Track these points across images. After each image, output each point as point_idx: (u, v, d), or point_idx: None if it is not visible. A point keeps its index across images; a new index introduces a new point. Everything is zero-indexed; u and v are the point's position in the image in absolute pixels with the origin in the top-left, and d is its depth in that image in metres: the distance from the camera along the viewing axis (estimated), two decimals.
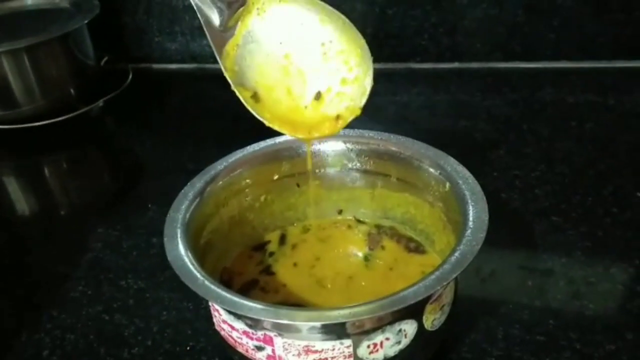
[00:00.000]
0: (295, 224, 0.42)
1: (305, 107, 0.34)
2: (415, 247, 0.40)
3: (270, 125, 0.34)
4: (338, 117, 0.34)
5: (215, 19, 0.32)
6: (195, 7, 0.32)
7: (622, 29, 0.64)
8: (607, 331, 0.37)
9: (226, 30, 0.32)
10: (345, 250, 0.40)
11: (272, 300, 0.37)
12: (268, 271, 0.39)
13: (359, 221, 0.42)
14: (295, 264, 0.40)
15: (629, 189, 0.48)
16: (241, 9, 0.32)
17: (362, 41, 0.33)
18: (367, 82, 0.34)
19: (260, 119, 0.34)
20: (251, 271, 0.39)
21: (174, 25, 0.71)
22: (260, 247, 0.41)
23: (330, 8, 0.34)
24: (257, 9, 0.33)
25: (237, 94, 0.33)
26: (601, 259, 0.42)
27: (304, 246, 0.41)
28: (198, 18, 0.74)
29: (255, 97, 0.34)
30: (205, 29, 0.32)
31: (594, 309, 0.39)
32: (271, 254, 0.41)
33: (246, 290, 0.38)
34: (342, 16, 0.33)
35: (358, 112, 0.34)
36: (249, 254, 0.41)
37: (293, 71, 0.34)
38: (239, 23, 0.33)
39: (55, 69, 0.63)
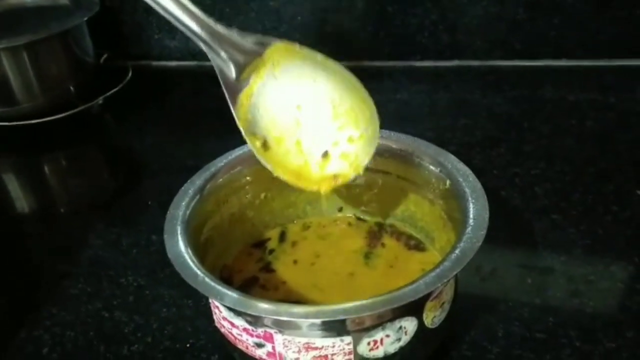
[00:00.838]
0: (295, 222, 0.42)
1: (312, 163, 0.35)
2: (415, 245, 0.40)
3: (276, 174, 0.35)
4: (339, 175, 0.35)
5: (231, 71, 0.33)
6: (211, 61, 0.32)
7: (622, 27, 0.64)
8: (607, 329, 0.37)
9: (240, 81, 0.33)
10: (345, 247, 0.40)
11: (272, 298, 0.37)
12: (268, 268, 0.39)
13: (359, 219, 0.42)
14: (295, 262, 0.40)
15: (629, 187, 0.48)
16: (256, 61, 0.33)
17: (371, 102, 0.34)
18: (373, 142, 0.35)
19: (268, 167, 0.35)
20: (251, 268, 0.39)
21: None
22: (260, 244, 0.41)
23: (342, 68, 0.35)
24: (272, 63, 0.34)
25: (248, 142, 0.34)
26: (601, 256, 0.42)
27: (304, 243, 0.41)
28: None
29: (264, 145, 0.35)
30: (220, 79, 0.33)
31: (594, 307, 0.39)
32: (271, 251, 0.41)
33: (246, 287, 0.38)
34: (354, 77, 0.34)
35: (360, 170, 0.35)
36: (249, 252, 0.41)
37: (303, 124, 0.35)
38: (254, 75, 0.33)
39: (54, 66, 0.63)
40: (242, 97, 0.34)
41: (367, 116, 0.35)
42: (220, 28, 0.32)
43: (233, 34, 0.32)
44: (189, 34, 0.32)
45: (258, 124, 0.34)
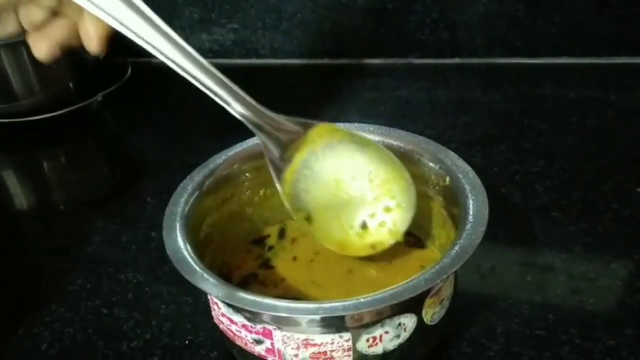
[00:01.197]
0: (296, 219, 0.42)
1: (352, 234, 0.37)
2: (414, 242, 0.40)
3: (320, 243, 0.37)
4: (376, 243, 0.37)
5: (276, 151, 0.35)
6: (260, 141, 0.35)
7: (623, 24, 0.64)
8: (607, 326, 0.37)
9: (285, 160, 0.36)
10: None
11: (271, 294, 0.37)
12: (267, 265, 0.39)
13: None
14: (294, 258, 0.39)
15: (629, 184, 0.48)
16: (299, 141, 0.36)
17: (406, 173, 0.37)
18: (410, 210, 0.36)
19: (314, 238, 0.37)
20: (250, 265, 0.39)
21: (173, 20, 0.71)
22: (260, 241, 0.41)
23: (378, 144, 0.38)
24: (314, 141, 0.36)
25: (293, 216, 0.37)
26: (601, 254, 0.42)
27: (304, 240, 0.41)
28: (198, 13, 0.74)
29: (308, 218, 0.37)
30: (266, 157, 0.35)
31: (594, 304, 0.39)
32: (270, 247, 0.41)
33: (245, 284, 0.38)
34: (389, 152, 0.37)
35: (399, 237, 0.37)
36: (248, 248, 0.41)
37: (342, 198, 0.37)
38: (297, 153, 0.36)
39: (53, 63, 0.63)
40: (287, 174, 0.36)
41: (403, 186, 0.37)
42: (267, 112, 0.35)
43: (279, 117, 0.35)
44: (239, 117, 0.34)
45: (301, 199, 0.37)
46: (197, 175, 0.38)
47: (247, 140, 0.40)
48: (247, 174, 0.40)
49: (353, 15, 0.68)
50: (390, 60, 0.69)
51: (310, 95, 0.66)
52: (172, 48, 0.32)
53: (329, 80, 0.67)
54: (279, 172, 0.36)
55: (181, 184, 0.37)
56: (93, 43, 0.31)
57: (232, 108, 0.34)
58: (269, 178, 0.40)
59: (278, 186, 0.36)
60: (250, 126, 0.34)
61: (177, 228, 0.34)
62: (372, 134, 0.40)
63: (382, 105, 0.62)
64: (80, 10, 0.30)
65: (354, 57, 0.70)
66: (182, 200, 0.36)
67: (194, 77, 0.33)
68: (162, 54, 0.32)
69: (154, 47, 0.31)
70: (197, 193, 0.37)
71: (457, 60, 0.68)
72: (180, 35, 0.75)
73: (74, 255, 0.46)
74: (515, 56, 0.67)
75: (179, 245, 0.33)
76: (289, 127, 0.36)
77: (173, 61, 0.32)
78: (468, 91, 0.64)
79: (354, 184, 0.37)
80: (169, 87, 0.70)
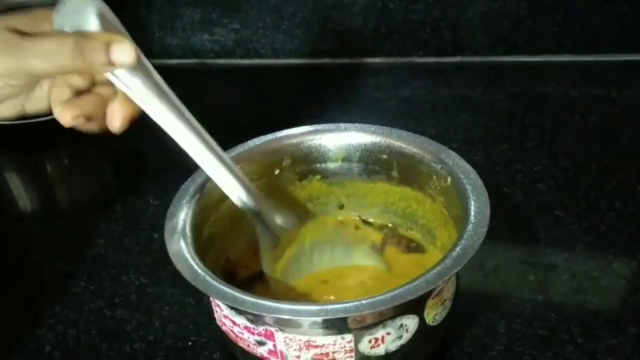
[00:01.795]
0: None
1: None
2: (415, 247, 0.40)
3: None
4: None
5: (270, 242, 0.37)
6: (256, 230, 0.37)
7: (625, 22, 0.64)
8: (609, 325, 0.37)
9: (277, 252, 0.37)
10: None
11: (274, 294, 0.37)
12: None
13: (365, 222, 0.42)
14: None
15: (632, 183, 0.48)
16: (292, 235, 0.38)
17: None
18: None
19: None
20: (256, 265, 0.39)
21: (174, 20, 0.71)
22: None
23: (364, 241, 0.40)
24: (305, 237, 0.39)
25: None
26: (604, 253, 0.42)
27: None
28: (199, 13, 0.73)
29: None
30: (260, 246, 0.37)
31: (596, 303, 0.39)
32: None
33: (251, 282, 0.38)
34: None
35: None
36: (254, 249, 0.41)
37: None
38: (288, 248, 0.38)
39: None
40: (278, 266, 0.37)
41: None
42: (267, 202, 0.36)
43: (277, 209, 0.37)
44: (241, 205, 0.35)
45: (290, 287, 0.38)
46: (199, 177, 0.38)
47: (248, 142, 0.40)
48: (249, 176, 0.40)
49: (354, 14, 0.68)
50: (391, 60, 0.69)
51: (311, 95, 0.66)
52: (198, 143, 0.33)
53: (330, 80, 0.67)
54: (270, 263, 0.37)
55: (183, 186, 0.37)
56: (117, 123, 0.32)
57: (236, 197, 0.35)
58: (271, 179, 0.40)
59: (268, 276, 0.37)
60: (250, 215, 0.36)
61: (179, 230, 0.34)
62: (373, 134, 0.40)
63: (384, 105, 0.62)
64: (114, 91, 0.30)
65: (355, 57, 0.70)
66: (184, 202, 0.36)
67: (213, 172, 0.34)
68: (184, 143, 0.33)
69: (176, 136, 0.33)
70: (198, 195, 0.37)
71: (458, 59, 0.68)
72: (181, 35, 0.75)
73: (77, 257, 0.46)
74: (517, 54, 0.67)
75: (181, 247, 0.33)
76: (285, 220, 0.37)
77: (193, 154, 0.33)
78: (470, 90, 0.63)
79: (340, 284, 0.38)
80: (172, 88, 0.70)
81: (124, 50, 0.28)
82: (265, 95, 0.65)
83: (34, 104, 0.33)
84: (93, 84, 0.32)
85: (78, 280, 0.44)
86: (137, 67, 0.29)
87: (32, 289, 0.44)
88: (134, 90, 0.30)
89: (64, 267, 0.46)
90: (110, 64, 0.28)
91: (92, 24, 0.28)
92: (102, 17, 0.28)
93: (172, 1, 0.70)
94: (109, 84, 0.30)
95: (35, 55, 0.28)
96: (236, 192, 0.34)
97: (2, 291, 0.44)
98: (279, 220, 0.37)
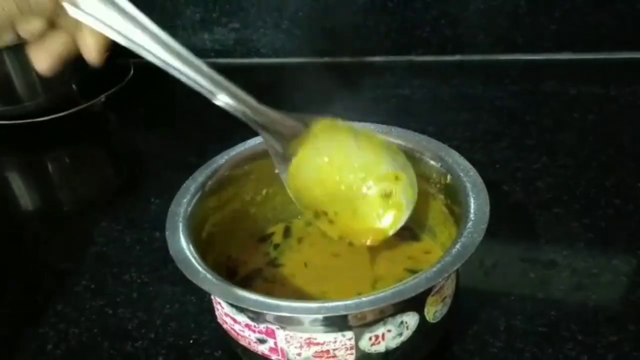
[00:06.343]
0: (299, 217, 0.42)
1: (374, 216, 0.38)
2: (411, 236, 0.40)
3: (336, 236, 0.38)
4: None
5: (279, 147, 0.36)
6: (263, 139, 0.36)
7: (624, 20, 0.64)
8: (609, 322, 0.37)
9: (288, 155, 0.36)
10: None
11: (276, 292, 0.37)
12: (274, 263, 0.40)
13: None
14: (305, 264, 0.40)
15: (631, 180, 0.48)
16: (302, 136, 0.37)
17: (403, 158, 0.38)
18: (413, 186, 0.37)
19: (326, 232, 0.38)
20: (257, 261, 0.40)
21: (175, 20, 0.71)
22: (266, 238, 0.41)
23: (375, 133, 0.39)
24: (315, 136, 0.37)
25: (301, 209, 0.37)
26: (604, 250, 0.42)
27: (309, 240, 0.41)
28: (199, 12, 0.74)
29: (317, 214, 0.37)
30: (271, 154, 0.36)
31: (596, 300, 0.39)
32: (276, 246, 0.41)
33: (250, 279, 0.38)
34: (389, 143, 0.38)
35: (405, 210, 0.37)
36: (255, 245, 0.41)
37: (347, 190, 0.38)
38: (300, 148, 0.37)
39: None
40: (291, 168, 0.37)
41: (401, 163, 0.38)
42: (269, 110, 0.35)
43: (279, 113, 0.35)
44: (243, 118, 0.34)
45: (307, 194, 0.37)
46: (200, 176, 0.38)
47: (249, 140, 0.40)
48: (250, 174, 0.40)
49: (354, 13, 0.68)
50: (391, 58, 0.69)
51: (311, 94, 0.66)
52: (172, 56, 0.32)
53: (330, 79, 0.68)
54: (284, 166, 0.36)
55: (184, 184, 0.37)
56: (92, 54, 0.31)
57: (236, 110, 0.34)
58: (271, 178, 0.40)
59: (283, 180, 0.36)
60: (253, 125, 0.35)
61: (180, 228, 0.34)
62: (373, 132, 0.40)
63: (384, 103, 0.62)
64: (77, 22, 0.30)
65: (355, 56, 0.70)
66: (185, 200, 0.36)
67: (185, 74, 0.33)
68: (156, 60, 0.32)
69: (164, 62, 0.32)
70: (199, 193, 0.37)
71: (458, 57, 0.68)
72: (182, 35, 0.75)
73: (78, 255, 0.46)
74: (516, 52, 0.67)
75: (182, 245, 0.33)
76: (289, 122, 0.36)
77: (180, 71, 0.32)
78: (469, 88, 0.63)
79: (356, 176, 0.38)
80: (172, 87, 0.70)
81: None
82: (266, 94, 0.65)
83: (2, 39, 0.32)
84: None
85: (79, 279, 0.44)
86: None
87: (33, 288, 0.45)
88: (90, 16, 0.29)
89: (66, 265, 0.46)
90: (56, 3, 0.27)
91: None
92: None
93: (172, 0, 0.71)
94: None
95: None
96: (228, 101, 0.33)
97: (4, 290, 0.45)
98: (284, 122, 0.36)
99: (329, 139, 0.37)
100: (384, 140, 0.38)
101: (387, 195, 0.37)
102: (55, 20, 0.31)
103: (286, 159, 0.36)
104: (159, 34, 0.31)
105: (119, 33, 0.30)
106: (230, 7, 0.70)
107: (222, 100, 0.34)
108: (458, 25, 0.67)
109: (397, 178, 0.37)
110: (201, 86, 0.33)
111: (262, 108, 0.35)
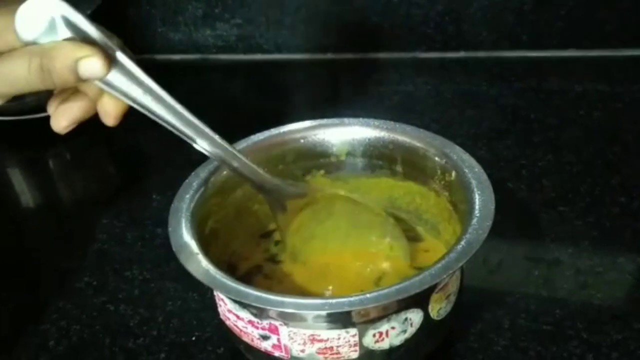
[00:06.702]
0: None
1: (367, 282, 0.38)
2: (413, 237, 0.40)
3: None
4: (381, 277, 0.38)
5: (280, 209, 0.37)
6: (266, 201, 0.37)
7: (629, 17, 0.63)
8: (614, 321, 0.37)
9: (288, 216, 0.38)
10: None
11: (274, 288, 0.37)
12: (274, 260, 0.39)
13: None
14: (304, 263, 0.39)
15: (637, 178, 0.48)
16: (301, 202, 0.38)
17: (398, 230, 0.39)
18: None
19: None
20: (257, 257, 0.39)
21: (177, 16, 0.71)
22: (268, 234, 0.41)
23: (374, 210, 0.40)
24: (317, 202, 0.39)
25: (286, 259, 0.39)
26: (609, 248, 0.42)
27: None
28: (201, 8, 0.73)
29: (306, 264, 0.39)
30: (272, 214, 0.38)
31: (601, 299, 0.38)
32: (277, 242, 0.41)
33: (250, 276, 0.38)
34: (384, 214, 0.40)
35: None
36: (257, 241, 0.41)
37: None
38: (299, 213, 0.38)
39: None
40: (291, 226, 0.38)
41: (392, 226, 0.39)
42: (273, 179, 0.36)
43: (283, 182, 0.37)
44: (251, 185, 0.35)
45: (304, 251, 0.39)
46: (202, 172, 0.38)
47: (252, 137, 0.40)
48: None
49: (357, 9, 0.68)
50: (395, 55, 0.69)
51: (314, 91, 0.66)
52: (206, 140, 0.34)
53: (333, 75, 0.67)
54: (283, 227, 0.38)
55: (186, 181, 0.37)
56: (111, 120, 0.32)
57: (244, 177, 0.35)
58: (275, 174, 0.40)
59: (282, 238, 0.38)
60: (257, 190, 0.36)
61: (183, 224, 0.34)
62: (377, 128, 0.40)
63: (388, 100, 0.62)
64: (100, 90, 0.30)
65: (358, 52, 0.70)
66: (188, 196, 0.36)
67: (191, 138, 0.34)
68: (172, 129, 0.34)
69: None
70: (202, 189, 0.37)
71: (462, 54, 0.68)
72: (184, 31, 0.75)
73: (80, 252, 0.46)
74: (521, 49, 0.67)
75: (185, 241, 0.33)
76: (291, 189, 0.37)
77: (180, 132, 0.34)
78: (474, 85, 0.63)
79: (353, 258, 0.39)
80: (173, 83, 0.70)
81: (93, 65, 0.27)
82: (268, 91, 0.65)
83: None
84: None
85: (81, 276, 0.44)
86: (111, 71, 0.28)
87: (35, 285, 0.44)
88: (114, 89, 0.29)
89: (67, 262, 0.46)
90: (81, 80, 0.28)
91: (57, 33, 0.27)
92: (67, 22, 0.27)
93: None
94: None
95: (2, 84, 0.28)
96: (240, 172, 0.34)
97: (5, 287, 0.45)
98: (286, 188, 0.37)
99: (327, 207, 0.39)
100: (381, 212, 0.39)
101: (378, 279, 0.38)
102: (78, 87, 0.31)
103: (285, 220, 0.38)
104: (178, 109, 0.33)
105: (146, 108, 0.31)
106: (233, 3, 0.69)
107: (229, 163, 0.34)
108: (462, 21, 0.66)
109: (391, 248, 0.39)
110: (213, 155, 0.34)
111: (269, 177, 0.36)
